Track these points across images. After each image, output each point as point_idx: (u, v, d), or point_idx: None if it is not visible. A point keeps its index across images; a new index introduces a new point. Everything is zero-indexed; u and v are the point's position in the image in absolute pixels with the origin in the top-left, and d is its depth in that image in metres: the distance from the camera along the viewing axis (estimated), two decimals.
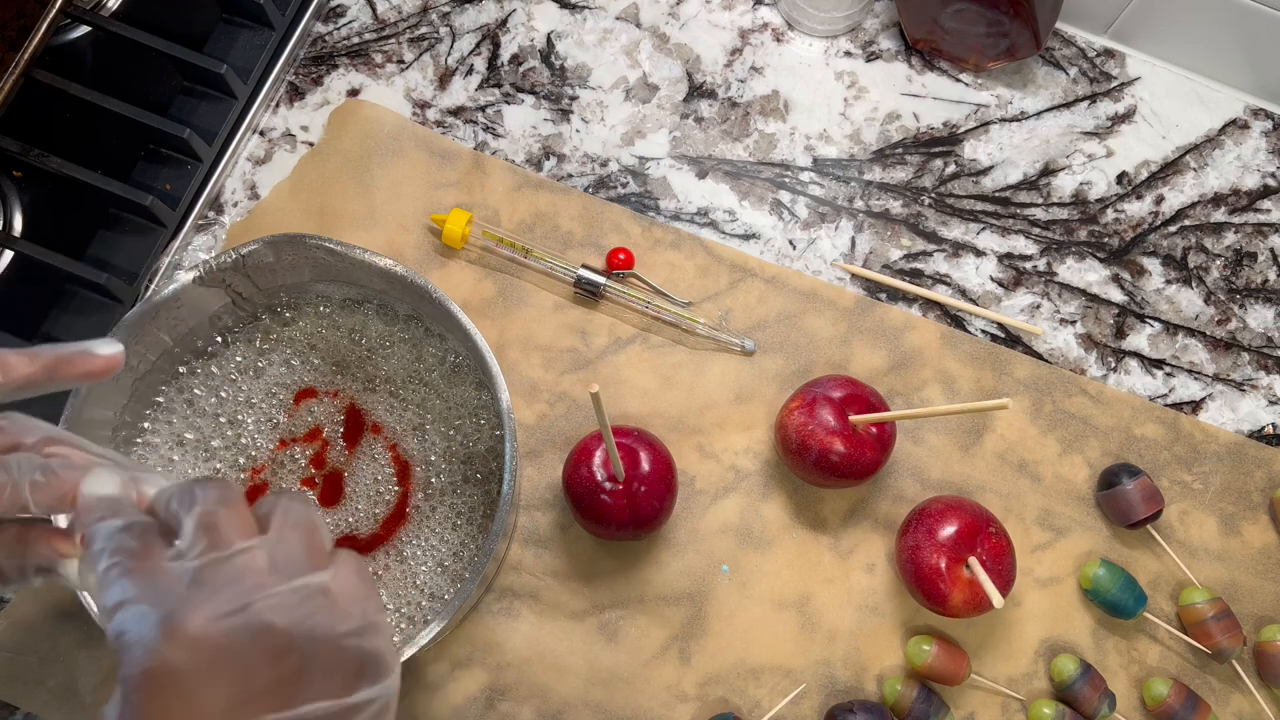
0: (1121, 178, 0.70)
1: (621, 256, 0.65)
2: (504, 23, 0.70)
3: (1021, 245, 0.68)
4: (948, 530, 0.57)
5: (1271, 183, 0.70)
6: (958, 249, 0.68)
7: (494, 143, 0.68)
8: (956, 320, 0.67)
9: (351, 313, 0.59)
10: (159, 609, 0.28)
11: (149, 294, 0.62)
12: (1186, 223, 0.69)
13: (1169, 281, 0.68)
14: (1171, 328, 0.68)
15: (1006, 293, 0.68)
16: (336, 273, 0.56)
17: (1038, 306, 0.67)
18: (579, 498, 0.57)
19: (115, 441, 0.54)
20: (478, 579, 0.49)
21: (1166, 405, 0.66)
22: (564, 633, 0.60)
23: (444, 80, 0.69)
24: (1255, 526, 0.64)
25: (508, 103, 0.69)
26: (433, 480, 0.57)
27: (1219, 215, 0.70)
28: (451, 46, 0.70)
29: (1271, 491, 0.65)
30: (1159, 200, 0.70)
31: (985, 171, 0.69)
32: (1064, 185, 0.69)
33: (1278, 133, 0.71)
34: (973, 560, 0.56)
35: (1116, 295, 0.68)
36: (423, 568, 0.56)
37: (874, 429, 0.58)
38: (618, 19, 0.71)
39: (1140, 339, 0.67)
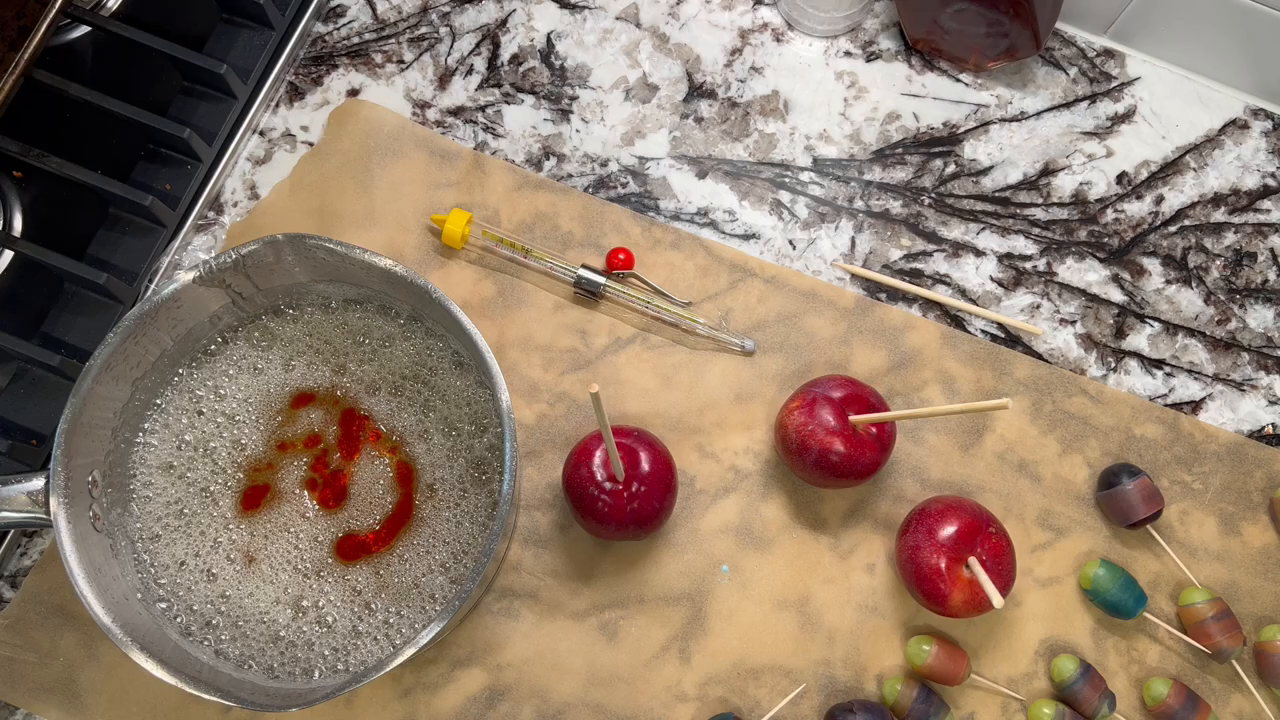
0: (1121, 178, 0.70)
1: (621, 256, 0.65)
2: (504, 23, 0.70)
3: (1021, 245, 0.68)
4: (948, 530, 0.57)
5: (1271, 183, 0.70)
6: (958, 249, 0.68)
7: (494, 143, 0.68)
8: (956, 320, 0.67)
9: (351, 313, 0.59)
10: None
11: (149, 294, 0.62)
12: (1186, 223, 0.69)
13: (1169, 281, 0.68)
14: (1171, 328, 0.68)
15: (1006, 293, 0.68)
16: (336, 273, 0.56)
17: (1038, 306, 0.67)
18: (579, 498, 0.57)
19: (115, 442, 0.54)
20: (478, 579, 0.49)
21: (1166, 405, 0.66)
22: (564, 633, 0.60)
23: (444, 80, 0.69)
24: (1255, 526, 0.64)
25: (508, 103, 0.69)
26: (433, 481, 0.57)
27: (1219, 215, 0.70)
28: (451, 46, 0.70)
29: (1271, 491, 0.65)
30: (1159, 200, 0.70)
31: (985, 171, 0.69)
32: (1064, 185, 0.69)
33: (1278, 133, 0.71)
34: (973, 560, 0.56)
35: (1116, 295, 0.68)
36: (423, 568, 0.56)
37: (874, 429, 0.58)
38: (618, 19, 0.71)
39: (1140, 339, 0.67)
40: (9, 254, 0.62)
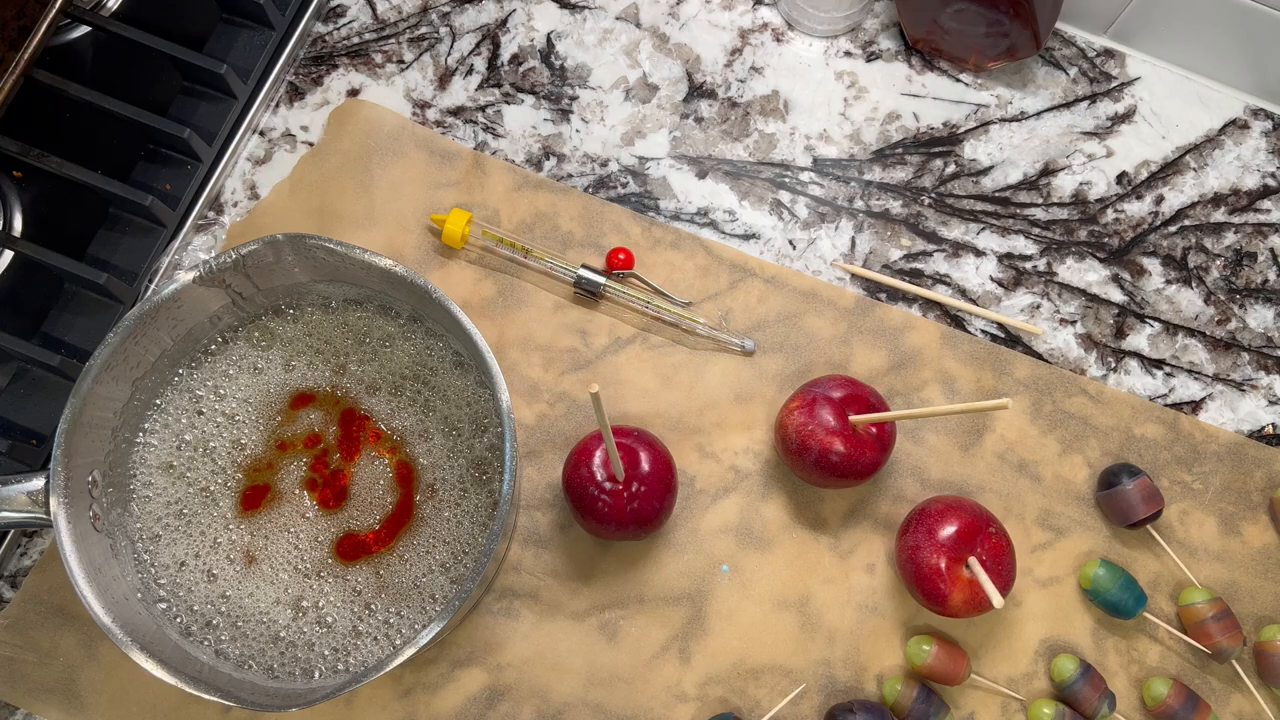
0: (1121, 178, 0.70)
1: (621, 256, 0.65)
2: (504, 23, 0.70)
3: (1021, 245, 0.68)
4: (948, 530, 0.57)
5: (1271, 183, 0.70)
6: (958, 249, 0.68)
7: (494, 143, 0.68)
8: (956, 320, 0.67)
9: (352, 313, 0.59)
10: None
11: (149, 294, 0.62)
12: (1186, 223, 0.69)
13: (1169, 281, 0.68)
14: (1171, 328, 0.68)
15: (1006, 293, 0.68)
16: (336, 273, 0.56)
17: (1038, 306, 0.67)
18: (579, 498, 0.57)
19: (115, 442, 0.54)
20: (478, 579, 0.49)
21: (1166, 405, 0.66)
22: (564, 633, 0.60)
23: (444, 80, 0.69)
24: (1255, 526, 0.64)
25: (508, 103, 0.69)
26: (433, 481, 0.57)
27: (1219, 215, 0.70)
28: (451, 46, 0.70)
29: (1271, 491, 0.65)
30: (1159, 200, 0.70)
31: (985, 171, 0.69)
32: (1064, 185, 0.69)
33: (1278, 133, 0.71)
34: (973, 560, 0.56)
35: (1116, 295, 0.68)
36: (423, 568, 0.56)
37: (874, 429, 0.58)
38: (618, 19, 0.71)
39: (1140, 339, 0.67)
40: (9, 254, 0.62)
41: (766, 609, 0.61)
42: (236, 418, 0.58)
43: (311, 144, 0.68)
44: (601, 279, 0.64)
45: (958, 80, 0.71)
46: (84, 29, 0.66)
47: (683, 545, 0.62)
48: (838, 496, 0.63)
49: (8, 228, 0.63)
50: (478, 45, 0.70)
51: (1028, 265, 0.68)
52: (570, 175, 0.68)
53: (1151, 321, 0.68)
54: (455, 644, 0.60)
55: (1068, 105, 0.71)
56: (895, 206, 0.68)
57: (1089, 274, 0.68)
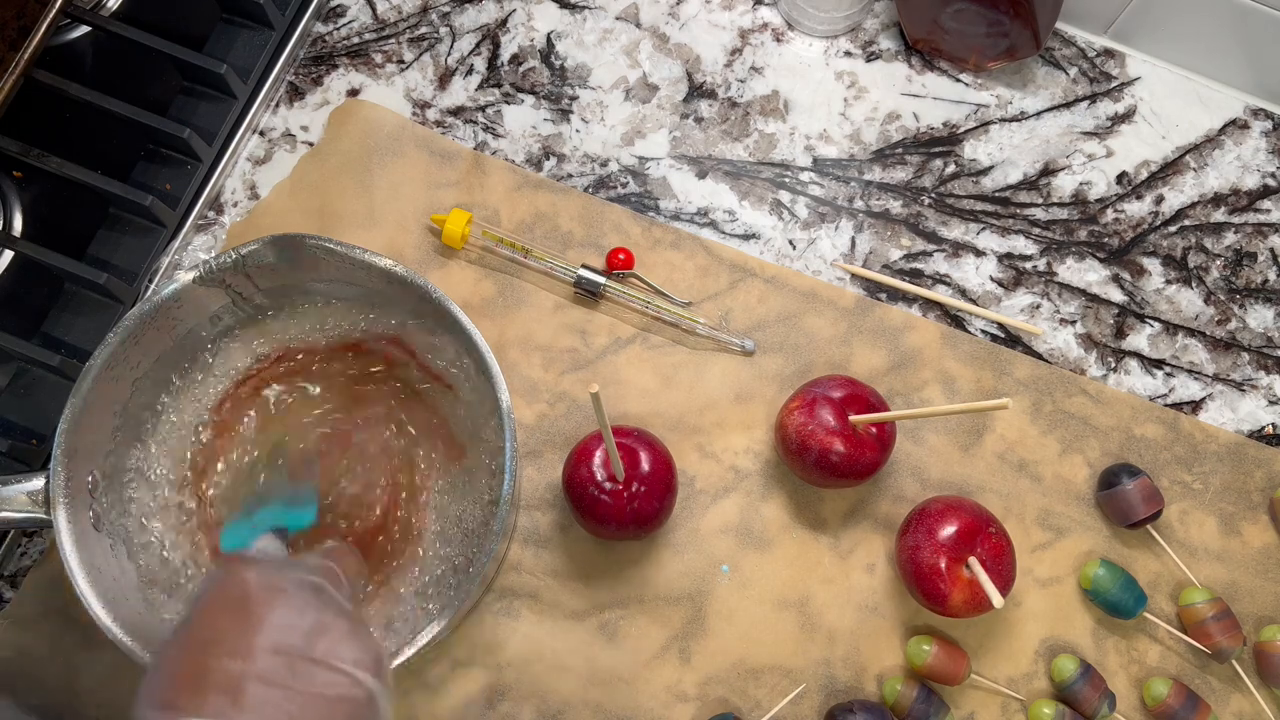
0: (1121, 178, 0.70)
1: (621, 256, 0.65)
2: (504, 23, 0.70)
3: (1021, 245, 0.68)
4: (948, 530, 0.57)
5: (1271, 183, 0.70)
6: (958, 249, 0.68)
7: (494, 143, 0.68)
8: (956, 320, 0.67)
9: (351, 313, 0.59)
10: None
11: (149, 294, 0.62)
12: (1186, 223, 0.69)
13: (1169, 281, 0.68)
14: (1171, 328, 0.68)
15: (1006, 293, 0.68)
16: (336, 273, 0.56)
17: (1038, 306, 0.67)
18: (579, 498, 0.57)
19: (115, 443, 0.54)
20: (478, 579, 0.49)
21: (1166, 405, 0.66)
22: (564, 633, 0.60)
23: (444, 80, 0.69)
24: (1255, 526, 0.64)
25: (508, 103, 0.69)
26: (433, 481, 0.57)
27: (1219, 215, 0.70)
28: (451, 46, 0.70)
29: (1271, 491, 0.65)
30: (1159, 200, 0.70)
31: (985, 171, 0.69)
32: (1064, 185, 0.69)
33: (1278, 133, 0.71)
34: (973, 560, 0.56)
35: (1116, 295, 0.68)
36: (424, 568, 0.56)
37: (874, 429, 0.58)
38: (618, 19, 0.71)
39: (1140, 339, 0.67)
40: (9, 254, 0.62)
41: (766, 609, 0.61)
42: None
43: (311, 144, 0.68)
44: (601, 279, 0.64)
45: (958, 80, 0.71)
46: (84, 29, 0.66)
47: (683, 545, 0.62)
48: (838, 496, 0.63)
49: (8, 228, 0.63)
50: (478, 45, 0.70)
51: (1028, 265, 0.68)
52: (570, 175, 0.68)
53: (1151, 321, 0.68)
54: (455, 644, 0.60)
55: (1068, 105, 0.71)
56: (895, 206, 0.68)
57: (1089, 274, 0.68)
